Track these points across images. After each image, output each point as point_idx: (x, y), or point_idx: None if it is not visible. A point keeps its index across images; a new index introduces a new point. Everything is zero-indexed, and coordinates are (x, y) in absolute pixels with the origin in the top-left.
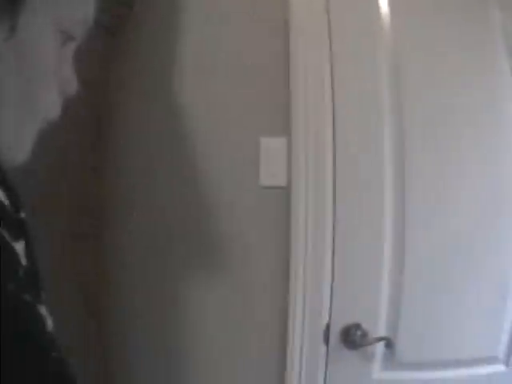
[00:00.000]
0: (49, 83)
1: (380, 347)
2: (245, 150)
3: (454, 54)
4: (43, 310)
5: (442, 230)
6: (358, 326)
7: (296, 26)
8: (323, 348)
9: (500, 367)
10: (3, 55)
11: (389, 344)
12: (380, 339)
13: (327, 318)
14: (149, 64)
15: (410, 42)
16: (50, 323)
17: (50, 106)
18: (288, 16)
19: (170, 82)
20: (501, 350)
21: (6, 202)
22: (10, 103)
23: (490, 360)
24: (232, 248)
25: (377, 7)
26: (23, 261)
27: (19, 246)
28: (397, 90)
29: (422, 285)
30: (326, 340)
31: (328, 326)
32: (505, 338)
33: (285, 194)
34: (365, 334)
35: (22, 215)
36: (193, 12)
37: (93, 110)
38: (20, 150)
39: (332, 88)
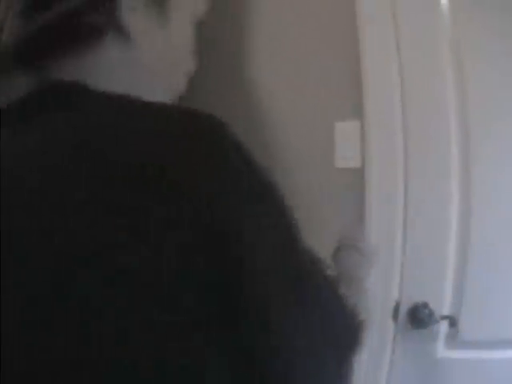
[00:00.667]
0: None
1: (444, 327)
2: (320, 134)
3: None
4: None
5: (507, 213)
6: (425, 305)
7: (364, 15)
8: (391, 324)
9: None
10: (157, 42)
11: (453, 323)
12: (445, 317)
13: (397, 295)
14: (227, 55)
15: (473, 40)
16: None
17: (182, 83)
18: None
19: (248, 72)
20: None
21: None
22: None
23: None
24: (309, 228)
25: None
26: None
27: None
28: (461, 78)
29: (485, 265)
30: (396, 316)
31: (398, 303)
32: None
33: (359, 175)
34: (431, 313)
35: None
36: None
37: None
38: None
39: (401, 76)
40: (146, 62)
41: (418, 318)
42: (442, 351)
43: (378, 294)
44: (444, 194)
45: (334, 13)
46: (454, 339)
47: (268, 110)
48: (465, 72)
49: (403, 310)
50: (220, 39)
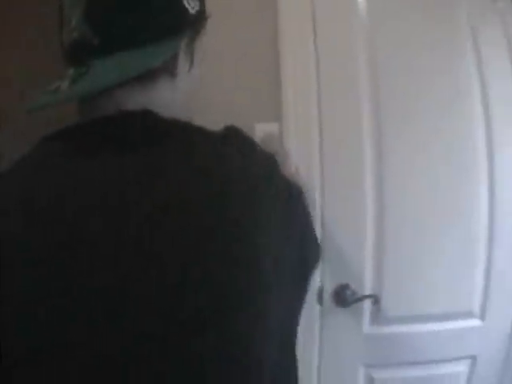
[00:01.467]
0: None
1: (368, 304)
2: None
3: (425, 49)
4: None
5: (418, 196)
6: (347, 286)
7: (284, 20)
8: (317, 308)
9: (476, 321)
10: (186, 83)
11: (375, 301)
12: (367, 296)
13: (319, 281)
14: None
15: (386, 36)
16: None
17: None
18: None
19: None
20: (475, 306)
21: None
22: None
23: (466, 314)
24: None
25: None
26: None
27: None
28: (374, 74)
29: (401, 247)
30: (320, 299)
31: (321, 287)
32: (478, 294)
33: None
34: (354, 293)
35: None
36: None
37: None
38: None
39: (317, 77)
40: (180, 96)
41: (341, 298)
42: (368, 327)
43: None
44: (359, 186)
45: (255, 18)
46: (377, 316)
47: (191, 111)
48: (380, 78)
49: (327, 292)
50: None
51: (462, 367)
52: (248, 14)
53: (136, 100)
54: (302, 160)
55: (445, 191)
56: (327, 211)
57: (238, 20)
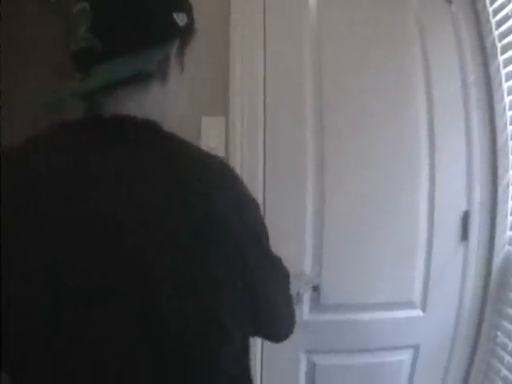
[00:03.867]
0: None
1: (308, 292)
2: (189, 128)
3: (371, 39)
4: None
5: (357, 188)
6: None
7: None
8: None
9: (417, 312)
10: (176, 87)
11: (314, 288)
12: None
13: None
14: None
15: (333, 35)
16: None
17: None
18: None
19: None
20: (416, 296)
21: None
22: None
23: (407, 305)
24: None
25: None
26: None
27: None
28: (318, 73)
29: (341, 237)
30: None
31: None
32: (419, 285)
33: None
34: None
35: None
36: None
37: None
38: None
39: (264, 74)
40: (169, 98)
41: None
42: (308, 314)
43: None
44: (300, 179)
45: (207, 11)
46: (317, 303)
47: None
48: (324, 77)
49: None
50: None
51: (404, 356)
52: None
53: (133, 100)
54: (246, 154)
55: (386, 184)
56: (269, 202)
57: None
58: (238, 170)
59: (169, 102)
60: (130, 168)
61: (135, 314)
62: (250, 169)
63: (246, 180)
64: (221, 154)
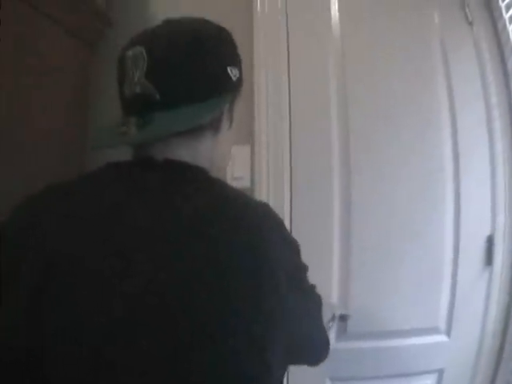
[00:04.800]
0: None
1: (335, 321)
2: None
3: (395, 62)
4: None
5: (383, 215)
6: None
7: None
8: None
9: (442, 337)
10: (210, 147)
11: (343, 318)
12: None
13: None
14: None
15: (356, 51)
16: None
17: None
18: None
19: None
20: (441, 322)
21: None
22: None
23: (433, 331)
24: None
25: (328, 21)
26: None
27: None
28: (343, 99)
29: (368, 263)
30: None
31: None
32: (444, 311)
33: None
34: None
35: None
36: None
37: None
38: None
39: (289, 100)
40: (219, 148)
41: None
42: (334, 342)
43: None
44: (327, 207)
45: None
46: (344, 332)
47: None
48: (349, 101)
49: None
50: None
51: (429, 380)
52: None
53: (186, 148)
54: (272, 183)
55: (411, 210)
56: (295, 230)
57: None
58: (264, 199)
59: (218, 152)
60: (181, 210)
61: (165, 351)
62: (276, 197)
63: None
64: (246, 183)
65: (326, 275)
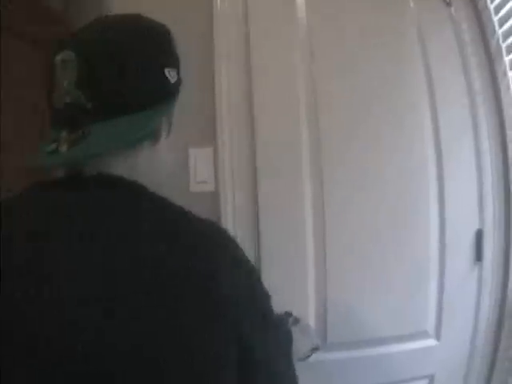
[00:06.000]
0: None
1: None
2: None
3: (369, 42)
4: None
5: (360, 218)
6: (289, 314)
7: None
8: None
9: (432, 341)
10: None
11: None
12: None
13: None
14: None
15: (323, 40)
16: None
17: None
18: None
19: None
20: (430, 326)
21: None
22: None
23: (421, 335)
24: None
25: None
26: None
27: None
28: (312, 91)
29: (345, 271)
30: None
31: None
32: (432, 314)
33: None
34: (297, 321)
35: None
36: None
37: None
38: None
39: (252, 100)
40: (158, 159)
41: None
42: (314, 355)
43: None
44: (299, 212)
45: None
46: (323, 342)
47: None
48: (318, 96)
49: None
50: None
51: None
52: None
53: (123, 161)
54: (238, 187)
55: (392, 209)
56: (265, 238)
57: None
58: (229, 204)
59: (157, 164)
60: (111, 237)
61: None
62: (242, 201)
63: (237, 217)
64: (210, 187)
65: (300, 282)
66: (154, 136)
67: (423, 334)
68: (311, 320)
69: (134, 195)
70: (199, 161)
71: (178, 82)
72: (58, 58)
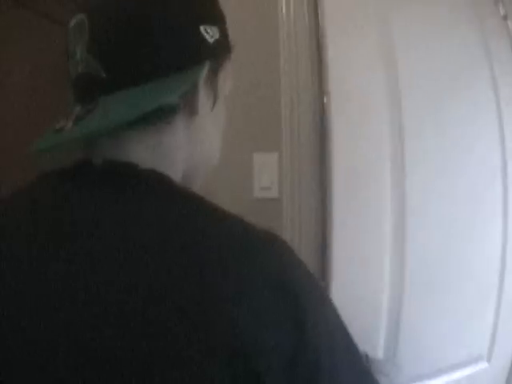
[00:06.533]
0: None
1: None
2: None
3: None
4: None
5: (436, 254)
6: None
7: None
8: None
9: (483, 364)
10: (209, 124)
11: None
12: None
13: None
14: None
15: (404, 33)
16: None
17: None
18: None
19: None
20: (485, 347)
21: None
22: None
23: (476, 358)
24: None
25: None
26: None
27: None
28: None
29: (417, 306)
30: None
31: None
32: (487, 337)
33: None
34: (371, 361)
35: None
36: None
37: None
38: None
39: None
40: (199, 140)
41: None
42: None
43: None
44: (374, 218)
45: (259, 52)
46: (396, 376)
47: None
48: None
49: None
50: None
51: None
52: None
53: (147, 144)
54: (303, 191)
55: (455, 244)
56: (336, 251)
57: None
58: (294, 212)
59: (198, 146)
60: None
61: None
62: (306, 209)
63: (302, 225)
64: (274, 193)
65: (373, 313)
66: (188, 109)
67: (478, 358)
68: (380, 350)
69: (156, 197)
70: (263, 166)
71: (221, 42)
72: (72, 22)
